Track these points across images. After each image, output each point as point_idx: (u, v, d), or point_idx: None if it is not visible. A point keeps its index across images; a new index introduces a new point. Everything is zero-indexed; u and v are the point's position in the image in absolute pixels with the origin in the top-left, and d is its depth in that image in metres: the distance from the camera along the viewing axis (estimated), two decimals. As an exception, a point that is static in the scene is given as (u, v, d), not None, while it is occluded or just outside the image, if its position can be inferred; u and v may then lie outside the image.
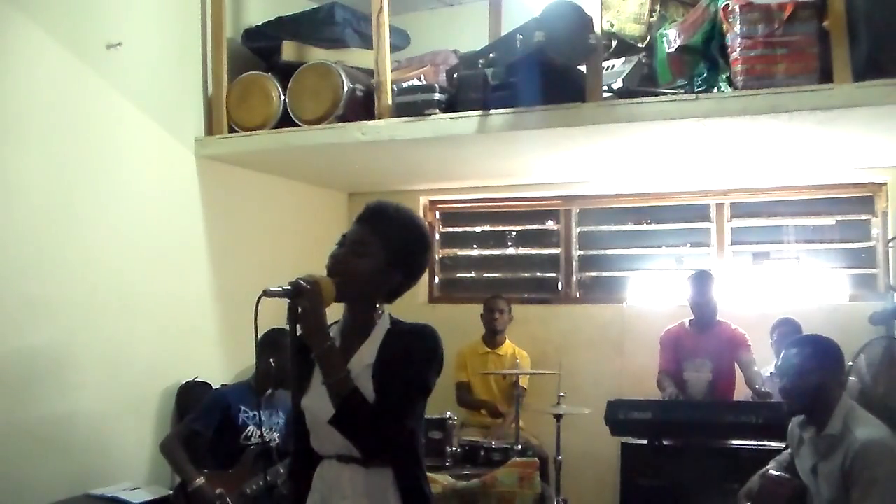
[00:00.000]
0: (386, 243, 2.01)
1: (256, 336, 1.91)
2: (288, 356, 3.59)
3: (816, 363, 2.78)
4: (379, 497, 1.96)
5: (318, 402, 1.95)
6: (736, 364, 4.69)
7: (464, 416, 5.10)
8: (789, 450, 3.02)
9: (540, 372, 4.90)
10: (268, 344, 3.41)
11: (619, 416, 4.20)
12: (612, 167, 5.03)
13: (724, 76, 3.70)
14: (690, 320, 4.83)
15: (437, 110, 4.06)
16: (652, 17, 4.08)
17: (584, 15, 3.69)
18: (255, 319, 1.86)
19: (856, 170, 4.89)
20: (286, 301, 1.87)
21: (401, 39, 4.87)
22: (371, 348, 2.01)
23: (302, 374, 2.01)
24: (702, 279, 4.77)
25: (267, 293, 1.84)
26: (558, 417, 4.33)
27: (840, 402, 2.77)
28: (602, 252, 5.72)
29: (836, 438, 2.71)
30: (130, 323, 4.04)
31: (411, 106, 4.10)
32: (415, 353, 2.00)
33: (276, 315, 1.96)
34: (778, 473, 2.98)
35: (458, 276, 6.11)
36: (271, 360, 3.63)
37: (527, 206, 5.89)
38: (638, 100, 3.74)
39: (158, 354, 4.22)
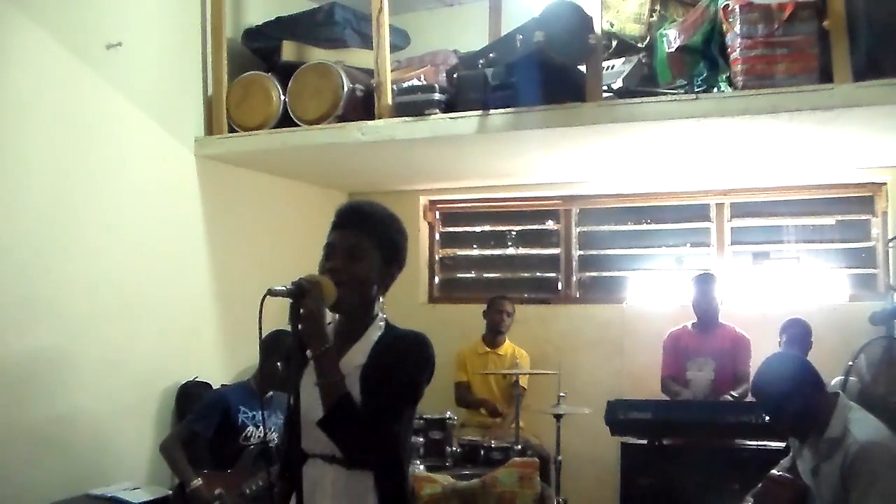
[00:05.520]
0: (378, 243, 2.02)
1: (261, 335, 1.91)
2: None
3: (790, 391, 2.75)
4: (358, 499, 1.96)
5: (307, 401, 1.94)
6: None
7: (464, 416, 5.10)
8: (791, 452, 3.02)
9: (540, 372, 4.91)
10: (275, 347, 3.39)
11: (619, 416, 4.20)
12: (612, 167, 5.03)
13: (724, 76, 3.70)
14: (693, 322, 4.84)
15: (437, 110, 4.06)
16: (652, 17, 4.08)
17: (583, 15, 3.69)
18: (260, 319, 1.86)
19: (856, 170, 4.89)
20: (287, 301, 1.87)
21: (401, 39, 4.87)
22: (363, 350, 2.01)
23: (298, 371, 2.01)
24: (705, 280, 4.79)
25: (271, 292, 1.83)
26: (558, 417, 4.33)
27: (837, 406, 2.76)
28: (602, 252, 5.72)
29: (836, 441, 2.70)
30: (130, 323, 4.05)
31: (411, 106, 4.10)
32: (408, 359, 2.00)
33: (276, 315, 1.96)
34: (780, 473, 2.98)
35: (458, 276, 6.11)
36: (278, 364, 3.62)
37: (527, 206, 5.88)
38: (638, 100, 3.74)
39: (158, 354, 4.22)
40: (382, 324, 2.06)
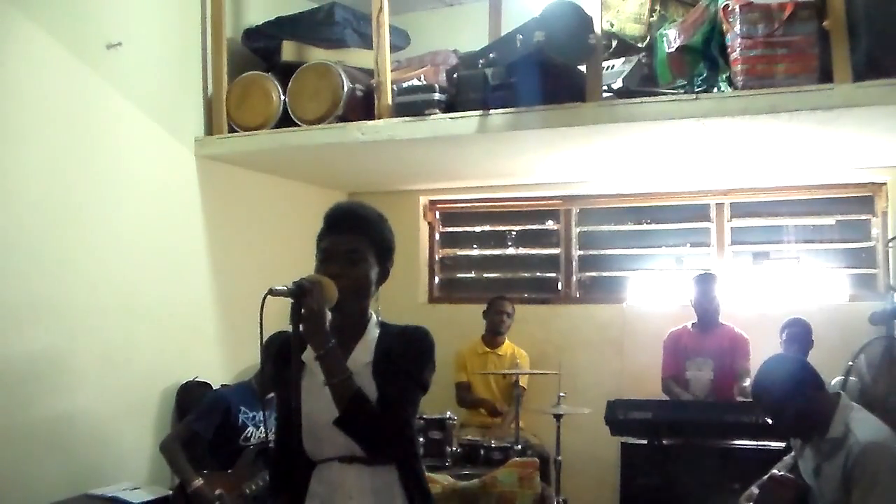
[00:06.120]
0: (373, 244, 2.05)
1: (262, 335, 1.90)
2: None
3: (790, 393, 2.74)
4: (385, 495, 1.98)
5: (317, 405, 1.94)
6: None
7: (464, 416, 5.10)
8: (793, 451, 3.02)
9: (540, 372, 4.91)
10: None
11: (619, 416, 4.20)
12: (611, 167, 5.03)
13: (724, 76, 3.69)
14: (693, 322, 4.85)
15: (437, 110, 4.06)
16: (652, 17, 4.08)
17: (584, 15, 3.69)
18: (261, 319, 1.85)
19: (856, 170, 4.89)
20: (287, 301, 1.87)
21: (401, 39, 4.87)
22: (367, 347, 2.03)
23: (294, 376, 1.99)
24: (705, 280, 4.80)
25: (273, 292, 1.83)
26: (558, 417, 4.33)
27: (838, 406, 2.75)
28: (602, 252, 5.72)
29: (837, 441, 2.70)
30: (130, 323, 4.04)
31: (411, 106, 4.10)
32: (414, 352, 2.04)
33: (276, 315, 1.96)
34: (782, 473, 2.97)
35: (458, 276, 6.11)
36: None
37: (527, 206, 5.89)
38: (638, 100, 3.74)
39: (158, 355, 4.22)
40: (377, 320, 2.09)
